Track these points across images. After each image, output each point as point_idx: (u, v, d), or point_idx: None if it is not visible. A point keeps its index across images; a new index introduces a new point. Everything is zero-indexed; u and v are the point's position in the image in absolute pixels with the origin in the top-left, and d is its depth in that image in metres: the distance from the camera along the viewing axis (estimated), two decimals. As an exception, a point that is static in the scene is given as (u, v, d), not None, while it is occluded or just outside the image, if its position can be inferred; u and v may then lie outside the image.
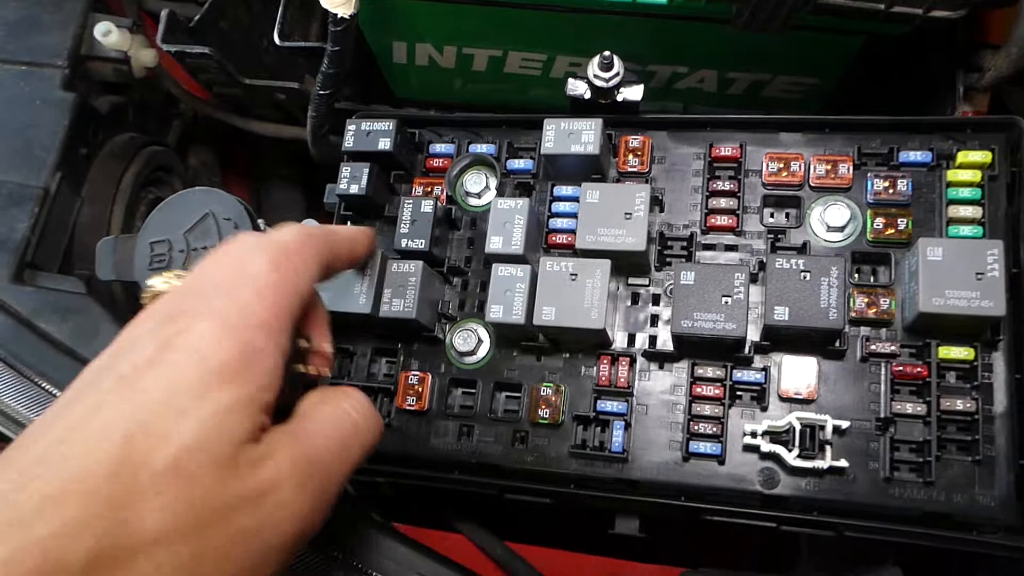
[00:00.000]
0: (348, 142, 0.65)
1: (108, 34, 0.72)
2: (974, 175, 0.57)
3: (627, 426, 0.58)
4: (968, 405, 0.54)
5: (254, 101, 0.79)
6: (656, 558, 0.65)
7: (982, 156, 0.57)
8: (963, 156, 0.58)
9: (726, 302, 0.55)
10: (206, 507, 0.37)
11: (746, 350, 0.57)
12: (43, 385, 0.59)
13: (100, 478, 0.35)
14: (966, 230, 0.57)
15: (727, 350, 0.57)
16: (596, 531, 0.64)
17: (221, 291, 0.42)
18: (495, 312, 0.58)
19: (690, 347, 0.58)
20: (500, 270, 0.59)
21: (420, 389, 0.62)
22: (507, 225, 0.60)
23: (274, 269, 0.43)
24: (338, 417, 0.46)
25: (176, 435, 0.37)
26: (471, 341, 0.62)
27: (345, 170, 0.65)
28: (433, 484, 0.62)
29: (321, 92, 0.67)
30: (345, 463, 0.45)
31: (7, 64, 0.71)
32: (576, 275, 0.57)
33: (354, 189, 0.64)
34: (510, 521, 0.69)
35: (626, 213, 0.58)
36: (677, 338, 0.56)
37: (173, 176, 0.85)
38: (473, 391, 0.62)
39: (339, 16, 0.59)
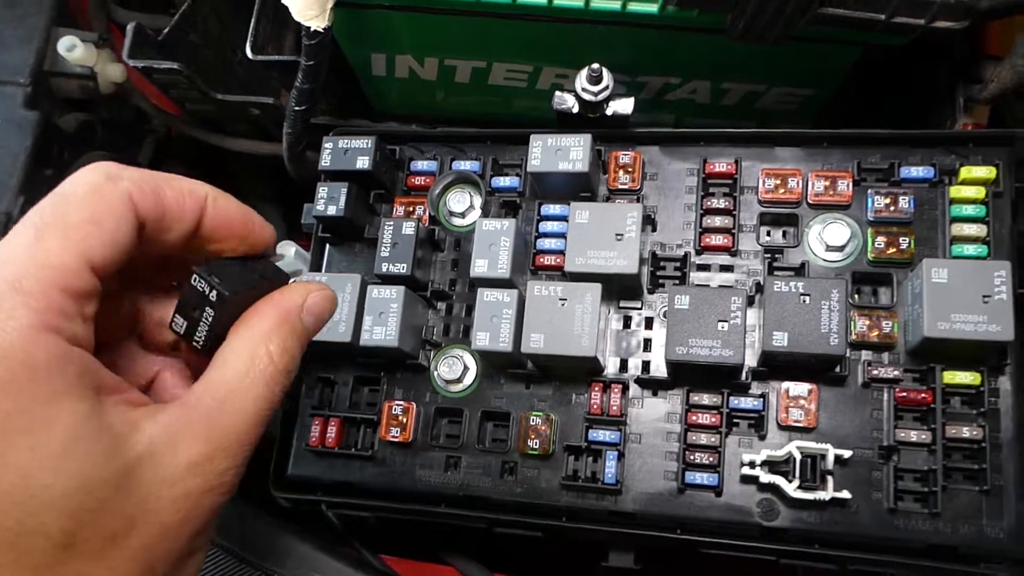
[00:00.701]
0: (325, 161, 0.62)
1: (73, 49, 0.69)
2: (978, 192, 0.55)
3: (620, 456, 0.56)
4: (974, 432, 0.52)
5: (227, 117, 0.76)
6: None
7: (986, 172, 0.55)
8: (966, 172, 0.56)
9: (722, 327, 0.52)
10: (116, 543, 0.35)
11: (743, 376, 0.55)
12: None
13: None
14: (970, 249, 0.55)
15: (724, 377, 0.55)
16: (589, 562, 0.61)
17: None
18: (481, 340, 0.55)
19: (685, 373, 0.55)
20: (486, 295, 0.56)
21: (404, 420, 0.59)
22: (492, 247, 0.57)
23: (31, 246, 0.36)
24: (249, 361, 0.40)
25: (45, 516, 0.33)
26: (457, 368, 0.60)
27: (322, 190, 0.62)
28: (420, 518, 0.59)
29: (296, 108, 0.64)
30: (266, 415, 0.40)
31: (-34, 82, 0.68)
32: (565, 300, 0.55)
33: (331, 210, 0.61)
34: (501, 552, 0.66)
35: (617, 234, 0.56)
36: (672, 365, 0.54)
37: (145, 194, 0.81)
38: (459, 420, 0.60)
39: (312, 29, 0.56)
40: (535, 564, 0.64)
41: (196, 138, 0.79)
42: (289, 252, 0.70)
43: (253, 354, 0.41)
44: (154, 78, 0.68)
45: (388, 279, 0.59)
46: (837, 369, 0.53)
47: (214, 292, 0.41)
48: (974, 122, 0.62)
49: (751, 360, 0.55)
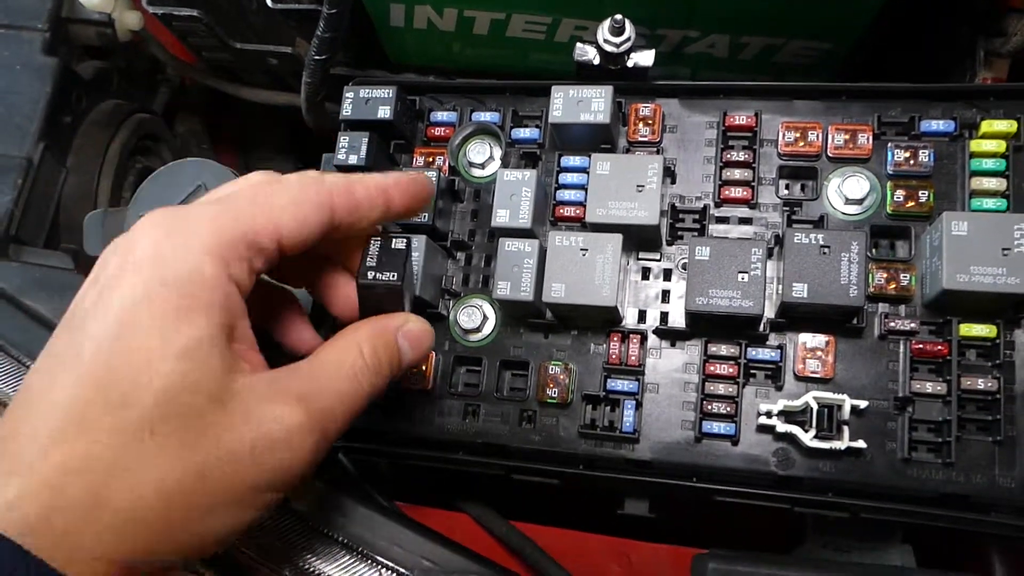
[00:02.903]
0: (346, 110, 0.62)
1: (91, -5, 0.69)
2: (998, 145, 0.55)
3: (638, 405, 0.56)
4: (989, 384, 0.52)
5: (244, 66, 0.76)
6: (665, 538, 0.64)
7: (1007, 125, 0.55)
8: (987, 125, 0.56)
9: (742, 278, 0.53)
10: (193, 441, 0.38)
11: (761, 328, 0.55)
12: (31, 364, 0.56)
13: (92, 417, 0.37)
14: (990, 203, 0.55)
15: (742, 327, 0.55)
16: (604, 510, 0.63)
17: (169, 215, 0.42)
18: (502, 289, 0.56)
19: (704, 324, 0.56)
20: (507, 245, 0.56)
21: (424, 367, 0.60)
22: (514, 198, 0.58)
23: (244, 199, 0.43)
24: (346, 351, 0.46)
25: (153, 376, 0.38)
26: (476, 318, 0.60)
27: (343, 139, 0.62)
28: (438, 465, 0.60)
29: (316, 57, 0.64)
30: (352, 397, 0.45)
31: (-16, 28, 0.68)
32: (586, 250, 0.55)
33: (353, 160, 0.61)
34: (516, 500, 0.67)
35: (638, 185, 0.56)
36: (691, 315, 0.55)
37: (161, 145, 0.81)
38: (478, 370, 0.60)
39: (336, -23, 0.56)
40: (550, 513, 0.65)
41: (211, 87, 0.79)
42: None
43: (346, 349, 0.46)
44: (173, 25, 0.68)
45: (409, 228, 0.60)
46: (855, 321, 0.54)
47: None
48: (994, 76, 0.62)
49: (769, 312, 0.56)
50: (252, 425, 0.40)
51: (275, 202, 0.43)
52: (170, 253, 0.40)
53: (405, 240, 0.49)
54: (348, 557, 0.53)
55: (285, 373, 0.44)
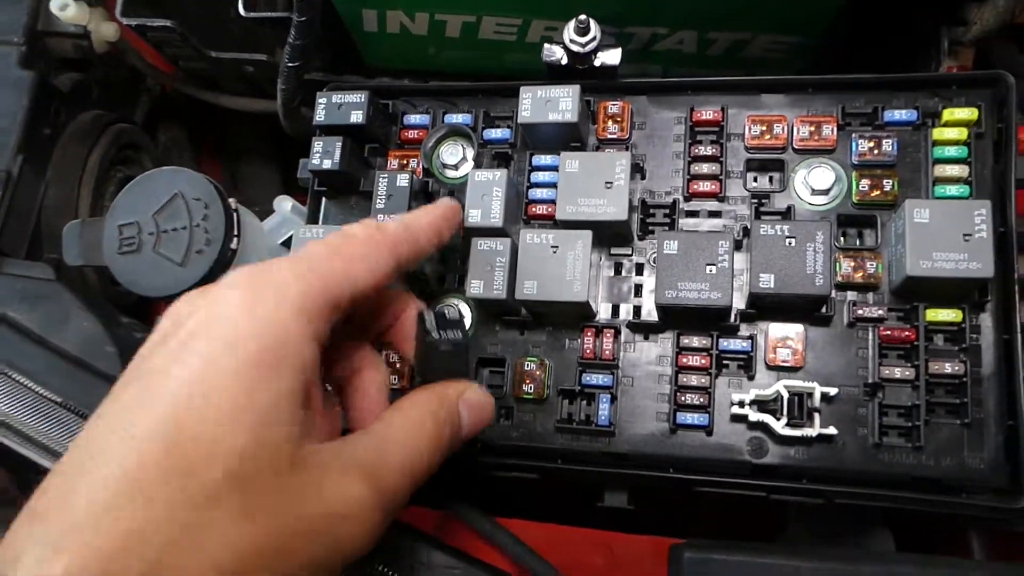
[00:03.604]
0: (319, 115, 0.63)
1: (65, 8, 0.69)
2: (960, 133, 0.56)
3: (613, 399, 0.57)
4: (956, 368, 0.53)
5: (222, 75, 0.77)
6: (647, 529, 0.65)
7: (968, 113, 0.56)
8: (949, 114, 0.57)
9: (711, 271, 0.54)
10: (264, 512, 0.36)
11: (732, 319, 0.56)
12: (14, 376, 0.57)
13: (154, 485, 0.34)
14: (952, 190, 0.56)
15: (713, 319, 0.56)
16: (586, 504, 0.63)
17: (253, 272, 0.41)
18: (475, 287, 0.57)
19: (675, 317, 0.57)
20: (480, 244, 0.57)
21: (402, 368, 0.61)
22: (485, 197, 0.58)
23: (321, 255, 0.43)
24: (411, 424, 0.45)
25: (227, 439, 0.36)
26: (452, 316, 0.61)
27: (317, 144, 0.63)
28: (418, 463, 0.61)
29: (290, 64, 0.65)
30: (416, 472, 0.44)
31: (-41, 43, 0.68)
32: (557, 247, 0.56)
33: (327, 164, 0.62)
34: (500, 497, 0.68)
35: (606, 182, 0.57)
36: (662, 308, 0.55)
37: (142, 154, 0.82)
38: (456, 368, 0.61)
39: (304, -17, 0.57)
40: (533, 508, 0.66)
41: (190, 96, 0.80)
42: (286, 207, 0.71)
43: (412, 423, 0.45)
44: (148, 36, 0.69)
45: (383, 230, 0.60)
46: (823, 309, 0.55)
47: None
48: (959, 64, 0.63)
49: (739, 303, 0.56)
50: (322, 499, 0.38)
51: (349, 256, 0.44)
52: (255, 310, 0.38)
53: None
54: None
55: (352, 444, 0.42)
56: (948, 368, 0.53)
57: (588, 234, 0.56)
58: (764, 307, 0.55)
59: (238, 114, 0.82)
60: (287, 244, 0.72)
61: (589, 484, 0.60)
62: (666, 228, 0.60)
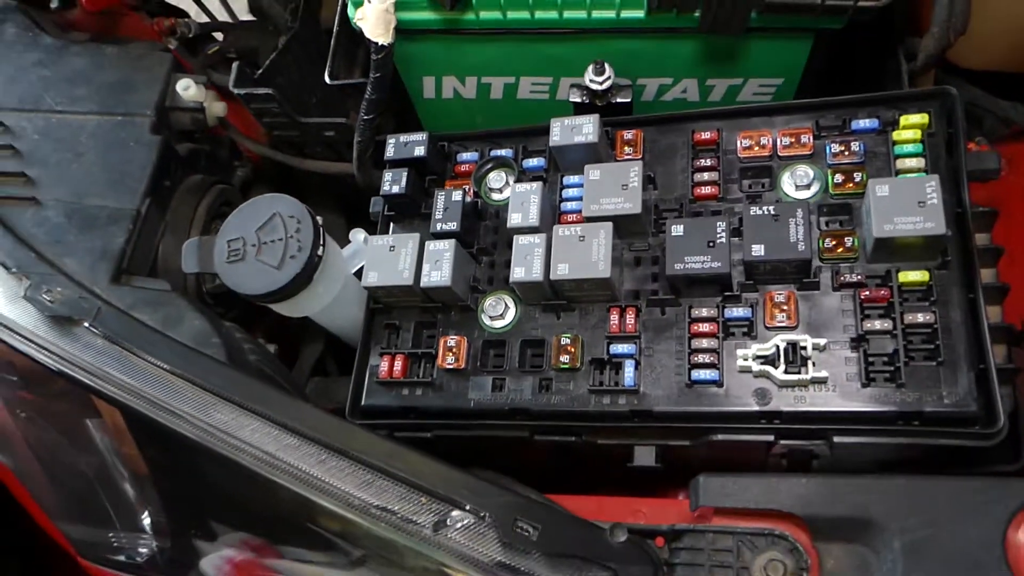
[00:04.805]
0: (389, 152, 0.78)
1: (188, 88, 0.87)
2: (915, 134, 0.68)
3: (637, 364, 0.67)
4: (928, 317, 0.62)
5: (306, 140, 0.93)
6: (673, 495, 0.73)
7: (920, 118, 0.68)
8: (905, 120, 0.69)
9: (711, 245, 0.65)
10: None
11: (735, 288, 0.66)
12: (146, 358, 0.69)
13: None
14: (912, 176, 0.67)
15: (717, 289, 0.67)
16: (617, 472, 0.71)
17: None
18: (518, 273, 0.68)
19: (685, 289, 0.67)
20: (520, 239, 0.69)
21: (457, 351, 0.71)
22: (524, 204, 0.71)
23: None
24: None
25: None
26: (499, 308, 0.72)
27: (387, 175, 0.77)
28: (473, 432, 0.71)
29: (365, 117, 0.80)
30: None
31: (108, 115, 0.86)
32: (584, 236, 0.68)
33: (395, 189, 0.76)
34: (539, 473, 0.76)
35: (623, 185, 0.69)
36: (671, 279, 0.66)
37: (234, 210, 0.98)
38: (503, 352, 0.72)
39: (379, 44, 0.72)
40: (568, 482, 0.73)
41: (276, 163, 0.96)
42: (359, 238, 0.85)
43: None
44: (251, 105, 0.85)
45: (441, 235, 0.73)
46: (811, 275, 0.65)
47: None
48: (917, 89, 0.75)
49: (740, 277, 0.67)
50: None
51: None
52: None
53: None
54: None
55: None
56: (921, 318, 0.62)
57: (609, 225, 0.68)
58: (759, 276, 0.66)
59: (315, 176, 0.98)
60: (359, 275, 0.85)
61: (620, 447, 0.69)
62: (675, 221, 0.71)
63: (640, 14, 0.73)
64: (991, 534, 0.54)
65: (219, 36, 1.13)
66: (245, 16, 1.14)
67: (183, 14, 1.15)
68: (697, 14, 0.71)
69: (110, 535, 0.81)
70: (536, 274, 0.68)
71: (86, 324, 0.71)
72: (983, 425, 0.60)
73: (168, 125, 0.88)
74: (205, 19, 1.15)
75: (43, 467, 0.82)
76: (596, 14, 0.74)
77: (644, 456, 0.68)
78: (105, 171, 0.83)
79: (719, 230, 0.65)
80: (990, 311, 0.64)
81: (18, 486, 0.83)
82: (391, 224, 0.80)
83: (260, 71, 0.86)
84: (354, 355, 0.78)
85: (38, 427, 0.81)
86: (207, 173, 0.94)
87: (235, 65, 0.84)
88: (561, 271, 0.67)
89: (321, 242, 0.74)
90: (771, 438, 0.64)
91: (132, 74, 0.89)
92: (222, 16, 1.17)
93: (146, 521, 0.79)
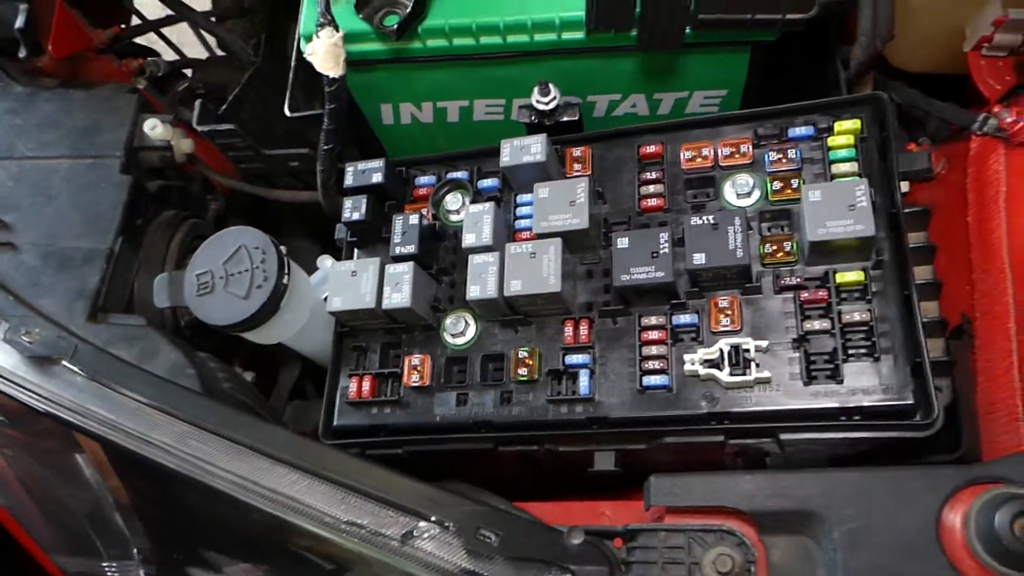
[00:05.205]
0: (348, 180, 0.81)
1: (155, 128, 0.90)
2: (848, 139, 0.71)
3: (592, 373, 0.70)
4: (864, 315, 0.65)
5: (274, 171, 0.96)
6: (636, 496, 0.75)
7: (853, 124, 0.71)
8: (839, 126, 0.71)
9: (655, 255, 0.68)
10: None
11: (680, 296, 0.69)
12: (123, 392, 0.72)
13: None
14: (846, 180, 0.70)
15: (665, 298, 0.69)
16: (578, 479, 0.74)
17: None
18: (474, 291, 0.71)
19: (635, 299, 0.70)
20: (475, 259, 0.72)
21: (421, 369, 0.74)
22: (478, 224, 0.74)
23: None
24: None
25: None
26: (460, 325, 0.75)
27: (348, 203, 0.80)
28: (440, 446, 0.74)
29: (325, 147, 0.83)
30: None
31: (78, 158, 0.89)
32: (535, 253, 0.71)
33: (356, 216, 0.79)
34: (505, 484, 0.78)
35: (571, 201, 0.72)
36: (619, 290, 0.69)
37: (209, 245, 1.00)
38: (465, 368, 0.74)
39: (331, 77, 0.75)
40: (533, 491, 0.76)
41: (247, 195, 0.99)
42: (327, 264, 0.88)
43: None
44: (216, 141, 0.88)
45: (400, 258, 0.76)
46: (752, 280, 0.68)
47: None
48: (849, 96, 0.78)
49: (685, 285, 0.70)
50: None
51: None
52: None
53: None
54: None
55: None
56: (857, 316, 0.65)
57: (559, 241, 0.71)
58: (702, 283, 0.69)
59: (287, 205, 1.01)
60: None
61: (580, 453, 0.72)
62: (623, 235, 0.74)
63: (580, 35, 0.76)
64: (925, 519, 0.56)
65: (189, 72, 1.17)
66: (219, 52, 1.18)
67: (153, 53, 1.19)
68: (634, 32, 0.74)
69: (103, 565, 0.84)
70: (491, 291, 0.71)
71: (64, 362, 0.74)
72: (920, 417, 0.62)
73: (137, 164, 0.91)
74: (175, 56, 1.19)
75: (35, 502, 0.85)
76: (538, 37, 0.77)
77: (603, 461, 0.71)
78: (78, 212, 0.86)
79: (662, 241, 0.68)
80: (926, 307, 0.67)
81: (12, 521, 0.86)
82: (355, 249, 0.83)
83: (224, 107, 0.89)
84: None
85: (27, 464, 0.83)
86: (180, 208, 0.98)
87: (198, 103, 0.87)
88: (515, 287, 0.70)
89: (286, 270, 0.77)
90: (721, 438, 0.67)
91: (100, 117, 0.92)
92: (194, 53, 1.20)
93: (134, 549, 0.82)
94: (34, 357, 0.75)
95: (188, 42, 1.35)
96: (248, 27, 1.12)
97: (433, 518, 0.64)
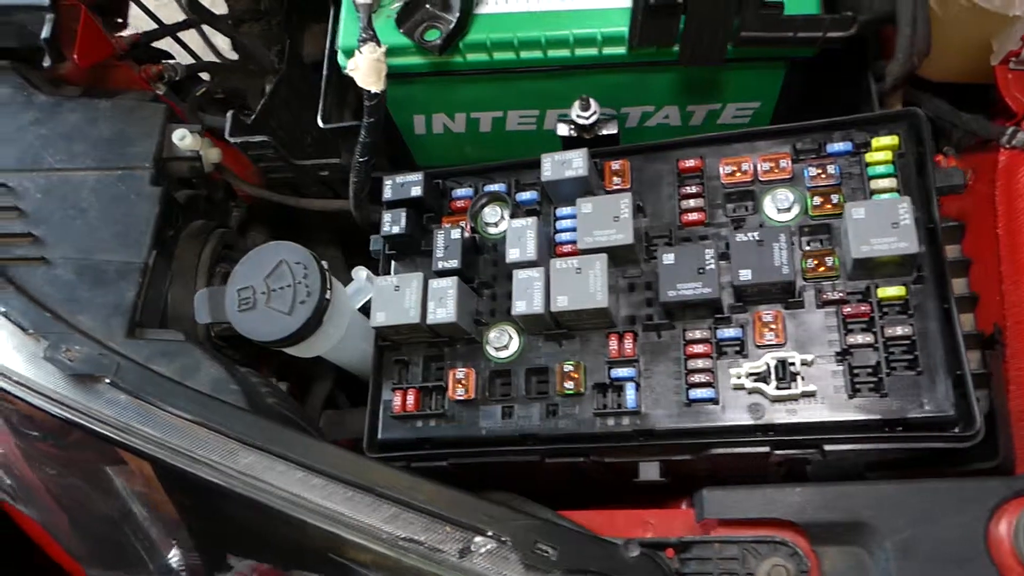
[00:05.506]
0: (387, 194, 0.81)
1: (184, 138, 0.90)
2: (886, 155, 0.72)
3: (637, 387, 0.71)
4: (906, 330, 0.67)
5: (302, 181, 0.96)
6: (676, 504, 0.77)
7: (891, 140, 0.72)
8: (876, 142, 0.73)
9: (701, 271, 0.69)
10: None
11: (725, 311, 0.71)
12: (168, 409, 0.72)
13: None
14: (885, 196, 0.71)
15: (709, 312, 0.71)
16: (624, 488, 0.75)
17: None
18: (520, 306, 0.72)
19: (678, 312, 0.71)
20: (520, 274, 0.73)
21: (466, 382, 0.75)
22: (521, 239, 0.75)
23: None
24: None
25: None
26: (503, 339, 0.76)
27: (387, 216, 0.80)
28: (486, 459, 0.75)
29: (360, 159, 0.83)
30: None
31: (107, 170, 0.88)
32: (580, 268, 0.71)
33: (395, 230, 0.80)
34: (549, 494, 0.80)
35: (615, 216, 0.73)
36: (665, 306, 0.70)
37: (237, 253, 1.00)
38: (509, 381, 0.75)
39: (372, 92, 0.76)
40: (578, 500, 0.78)
41: (274, 203, 0.99)
42: (362, 275, 0.88)
43: None
44: (248, 152, 0.88)
45: (443, 273, 0.77)
46: (795, 295, 0.69)
47: None
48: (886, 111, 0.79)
49: (729, 299, 0.71)
50: None
51: None
52: None
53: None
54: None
55: None
56: (900, 331, 0.67)
57: (604, 256, 0.71)
58: (748, 298, 0.70)
59: (312, 215, 1.01)
60: (363, 311, 0.88)
61: (625, 463, 0.73)
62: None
63: (622, 50, 0.77)
64: (974, 530, 0.59)
65: (205, 76, 1.16)
66: (229, 53, 1.17)
67: (168, 55, 1.17)
68: (676, 48, 0.75)
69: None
70: (537, 307, 0.72)
71: (107, 380, 0.74)
72: (962, 428, 0.64)
73: (167, 175, 0.91)
74: (190, 59, 1.18)
75: (71, 517, 0.85)
76: (579, 51, 0.78)
77: (649, 471, 0.72)
78: (110, 225, 0.86)
79: (708, 257, 0.69)
80: (963, 319, 0.69)
81: (46, 536, 0.86)
82: (392, 262, 0.83)
83: (253, 117, 0.89)
84: (362, 386, 0.81)
85: (64, 481, 0.83)
86: (206, 218, 0.97)
87: (229, 114, 0.87)
88: (561, 303, 0.71)
89: (329, 285, 0.77)
90: (766, 449, 0.68)
91: (127, 127, 0.91)
92: (205, 55, 1.19)
93: (174, 560, 0.83)
94: (77, 376, 0.75)
95: (194, 45, 1.33)
96: (265, 31, 1.11)
97: (490, 532, 0.65)
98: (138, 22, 1.11)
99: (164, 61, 1.11)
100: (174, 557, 0.82)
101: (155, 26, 1.11)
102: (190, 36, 1.18)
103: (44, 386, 0.75)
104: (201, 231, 0.94)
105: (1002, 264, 0.76)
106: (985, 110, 0.84)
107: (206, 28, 1.18)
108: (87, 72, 0.97)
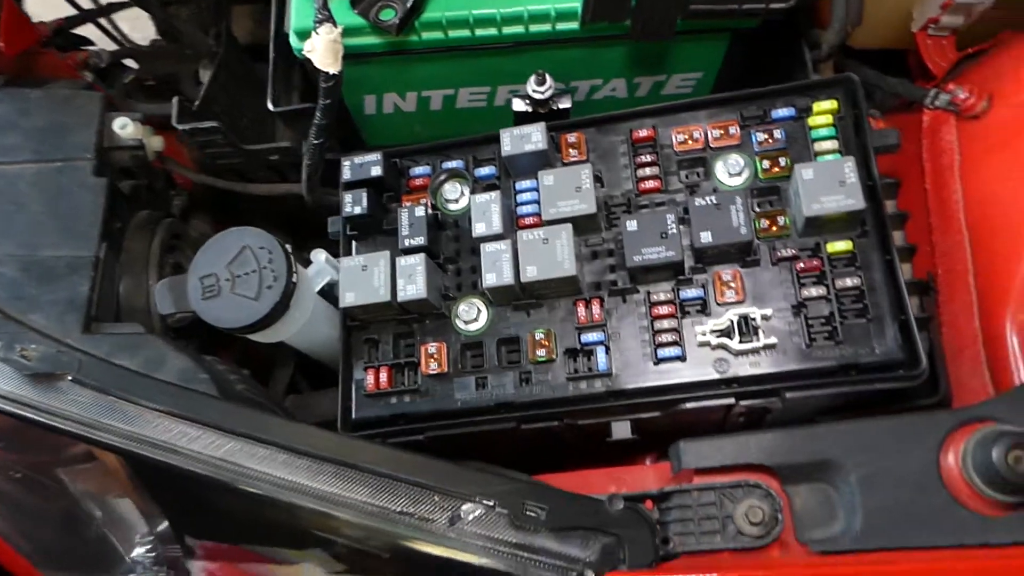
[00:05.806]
0: (346, 174, 0.81)
1: (125, 127, 0.87)
2: (827, 119, 0.76)
3: (607, 350, 0.74)
4: (855, 281, 0.71)
5: (250, 166, 0.94)
6: (641, 460, 0.80)
7: (830, 104, 0.77)
8: (817, 106, 0.77)
9: (664, 236, 0.72)
10: None
11: (686, 272, 0.74)
12: (139, 403, 0.71)
13: None
14: (829, 157, 0.76)
15: (671, 274, 0.74)
16: (597, 449, 0.78)
17: None
18: (490, 279, 0.73)
19: (642, 277, 0.74)
20: (488, 247, 0.75)
21: (438, 356, 0.76)
22: (486, 213, 0.76)
23: None
24: None
25: None
26: (472, 312, 0.77)
27: (347, 197, 0.80)
28: (463, 429, 0.76)
29: (315, 142, 0.83)
30: None
31: (45, 162, 0.85)
32: (547, 239, 0.73)
33: (357, 210, 0.80)
34: (522, 461, 0.82)
35: (576, 187, 0.75)
36: (631, 271, 0.73)
37: (184, 243, 0.98)
38: (481, 352, 0.77)
39: (329, 73, 0.75)
40: (552, 464, 0.80)
41: (214, 189, 0.97)
42: (320, 257, 0.88)
43: None
44: (196, 139, 0.86)
45: (410, 250, 0.77)
46: (751, 255, 0.73)
47: None
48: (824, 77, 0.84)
49: (689, 260, 0.74)
50: None
51: None
52: None
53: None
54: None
55: None
56: (849, 282, 0.71)
57: (569, 226, 0.74)
58: (707, 259, 0.73)
59: (257, 200, 0.99)
60: (322, 293, 0.88)
61: (599, 424, 0.76)
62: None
63: (574, 26, 0.79)
64: (927, 460, 0.64)
65: (130, 62, 1.12)
66: (152, 38, 1.13)
67: (88, 42, 1.13)
68: (627, 23, 0.78)
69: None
70: (507, 278, 0.73)
71: (69, 377, 0.72)
72: (908, 368, 0.69)
73: (109, 165, 0.88)
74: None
75: (31, 523, 0.82)
76: (533, 28, 0.80)
77: (621, 430, 0.75)
78: (53, 219, 0.83)
79: (670, 222, 0.72)
80: (904, 269, 0.74)
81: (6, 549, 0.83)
82: (353, 243, 0.83)
83: (197, 102, 0.87)
84: (323, 370, 0.81)
85: (21, 485, 0.81)
86: (150, 207, 0.95)
87: (175, 100, 0.85)
88: (531, 273, 0.73)
89: (294, 268, 0.77)
90: (732, 401, 0.72)
91: (63, 117, 0.88)
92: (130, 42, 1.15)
93: (140, 554, 0.82)
94: (36, 375, 0.72)
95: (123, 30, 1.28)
96: (195, 13, 1.08)
97: (477, 498, 0.67)
98: (57, 11, 1.07)
99: (86, 47, 1.07)
100: (144, 550, 0.81)
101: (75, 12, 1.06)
102: (116, 21, 1.14)
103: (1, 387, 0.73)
104: (148, 222, 0.92)
105: (931, 216, 0.82)
106: (903, 74, 0.90)
107: (129, 12, 1.13)
108: (12, 61, 0.93)
